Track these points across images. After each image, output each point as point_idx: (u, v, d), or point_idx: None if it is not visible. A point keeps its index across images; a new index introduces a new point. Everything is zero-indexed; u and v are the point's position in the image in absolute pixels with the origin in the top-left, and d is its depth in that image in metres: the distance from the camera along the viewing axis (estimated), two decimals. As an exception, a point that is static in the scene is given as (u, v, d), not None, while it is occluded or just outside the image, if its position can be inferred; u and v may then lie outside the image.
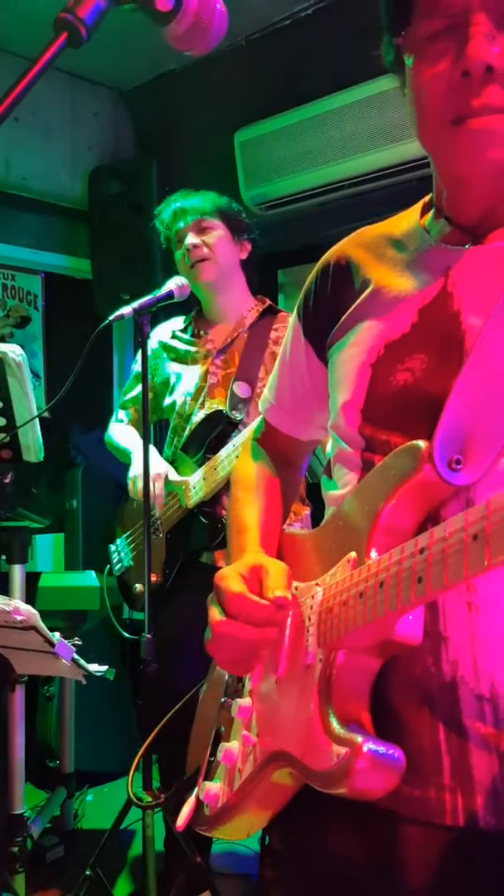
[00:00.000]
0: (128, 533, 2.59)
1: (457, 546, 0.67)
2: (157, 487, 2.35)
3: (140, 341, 2.24)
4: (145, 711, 2.15)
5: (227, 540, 1.12)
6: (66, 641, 1.88)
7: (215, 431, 2.34)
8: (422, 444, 0.81)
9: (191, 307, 2.59)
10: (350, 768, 0.76)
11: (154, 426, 2.73)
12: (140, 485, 2.26)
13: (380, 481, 0.86)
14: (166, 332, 2.61)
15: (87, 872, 2.17)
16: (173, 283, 2.32)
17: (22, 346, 2.26)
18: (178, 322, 2.62)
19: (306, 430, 1.17)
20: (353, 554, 0.86)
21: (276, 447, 1.20)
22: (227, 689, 1.09)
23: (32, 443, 2.29)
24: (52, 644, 1.84)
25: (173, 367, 2.55)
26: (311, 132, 3.26)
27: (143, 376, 2.22)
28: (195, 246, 2.41)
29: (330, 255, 1.07)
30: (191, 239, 2.42)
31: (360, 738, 0.77)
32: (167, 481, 2.37)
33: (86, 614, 3.03)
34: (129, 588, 2.53)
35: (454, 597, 0.83)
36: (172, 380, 2.53)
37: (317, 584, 0.92)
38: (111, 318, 2.16)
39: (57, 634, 1.86)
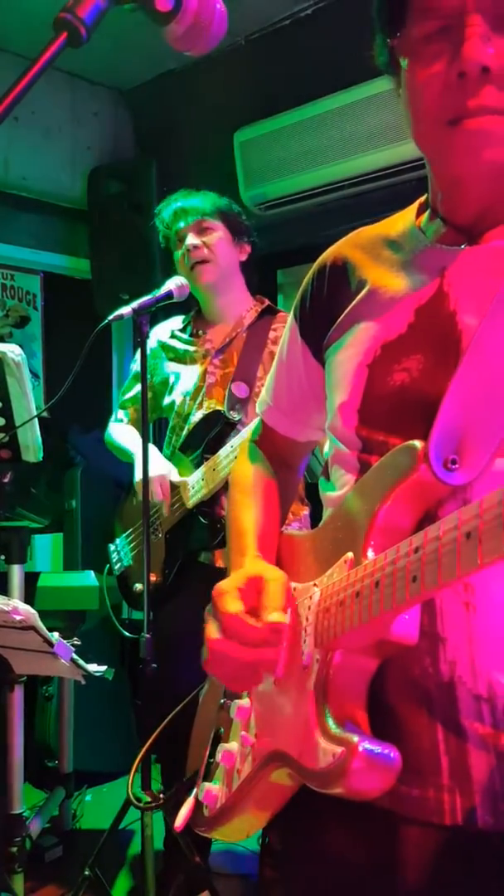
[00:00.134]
0: (128, 532, 2.59)
1: (450, 545, 0.67)
2: (163, 489, 2.35)
3: (139, 341, 2.24)
4: (144, 711, 2.16)
5: (227, 542, 1.12)
6: (64, 641, 1.88)
7: (213, 431, 2.35)
8: (417, 444, 0.81)
9: (190, 307, 2.60)
10: (346, 768, 0.76)
11: (153, 425, 2.73)
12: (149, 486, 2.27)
13: (376, 482, 0.86)
14: (165, 331, 2.61)
15: (86, 872, 2.17)
16: (172, 283, 2.32)
17: (21, 346, 2.26)
18: (177, 322, 2.63)
19: (304, 432, 1.17)
20: (349, 554, 0.86)
21: (273, 448, 1.19)
22: (226, 691, 1.09)
23: (32, 443, 2.29)
24: (51, 644, 1.84)
25: (172, 367, 2.55)
26: (311, 132, 3.26)
27: (143, 376, 2.23)
28: (195, 247, 2.41)
29: (326, 256, 1.07)
30: (191, 239, 2.42)
31: (355, 738, 0.77)
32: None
33: (85, 614, 3.04)
34: (129, 587, 2.53)
35: (452, 597, 0.83)
36: (171, 379, 2.53)
37: (314, 585, 0.92)
38: (110, 318, 2.17)
39: (56, 634, 1.87)
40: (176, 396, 2.49)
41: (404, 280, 0.94)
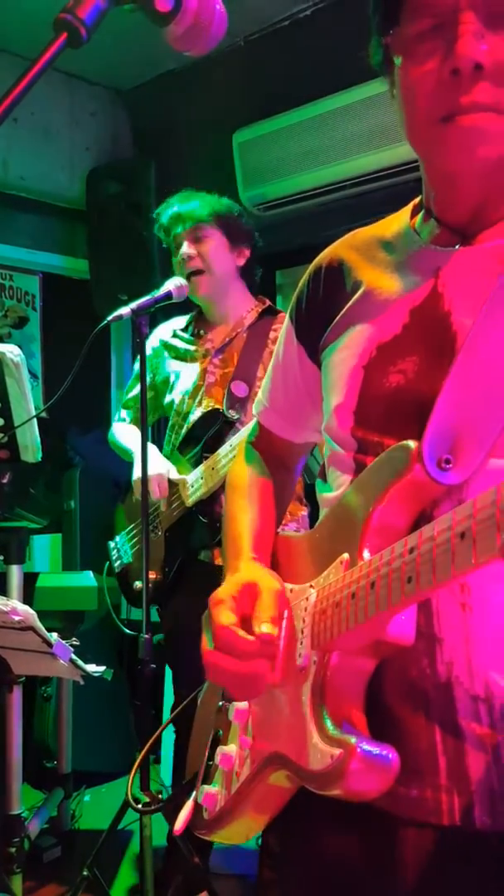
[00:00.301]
0: (128, 529, 2.59)
1: (445, 545, 0.67)
2: (160, 488, 2.36)
3: (138, 342, 2.24)
4: (143, 712, 2.16)
5: (223, 544, 1.12)
6: (63, 642, 1.88)
7: (212, 430, 2.35)
8: (411, 444, 0.81)
9: (190, 307, 2.60)
10: (344, 769, 0.76)
11: (154, 424, 2.73)
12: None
13: (371, 482, 0.86)
14: (168, 330, 2.62)
15: (85, 873, 2.17)
16: (172, 284, 2.32)
17: (20, 347, 2.27)
18: (180, 321, 2.63)
19: (300, 433, 1.17)
20: (345, 555, 0.86)
21: (270, 450, 1.19)
22: (224, 693, 1.09)
23: (30, 443, 2.29)
24: (49, 644, 1.84)
25: (173, 366, 2.55)
26: (311, 132, 3.26)
27: (142, 377, 2.23)
28: (190, 257, 2.41)
29: (322, 257, 1.07)
30: (186, 249, 2.41)
31: (353, 739, 0.77)
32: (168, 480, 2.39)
33: (83, 614, 3.03)
34: (130, 584, 2.53)
35: (448, 598, 0.83)
36: (172, 378, 2.54)
37: (311, 587, 0.92)
38: (109, 318, 2.17)
39: (55, 635, 1.87)
40: (175, 395, 2.50)
41: (399, 281, 0.95)
